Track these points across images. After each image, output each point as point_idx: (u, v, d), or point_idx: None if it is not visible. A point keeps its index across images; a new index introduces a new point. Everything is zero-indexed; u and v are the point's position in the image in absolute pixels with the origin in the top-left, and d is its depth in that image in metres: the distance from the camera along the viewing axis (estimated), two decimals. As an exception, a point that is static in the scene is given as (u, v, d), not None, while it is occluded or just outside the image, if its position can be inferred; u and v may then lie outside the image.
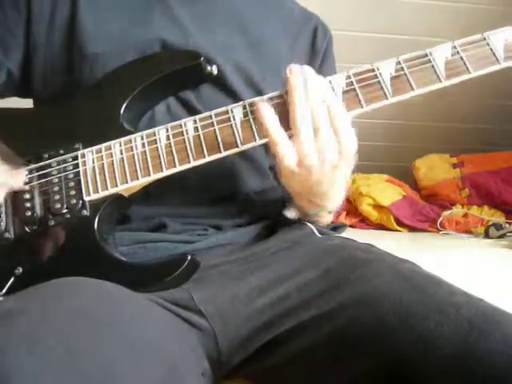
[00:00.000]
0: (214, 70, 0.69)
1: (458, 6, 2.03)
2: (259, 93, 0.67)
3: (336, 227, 0.82)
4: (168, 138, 0.63)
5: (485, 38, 0.64)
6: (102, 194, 0.62)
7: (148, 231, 0.68)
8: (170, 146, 0.62)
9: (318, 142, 0.59)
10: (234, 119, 0.63)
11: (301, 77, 0.60)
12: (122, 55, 0.69)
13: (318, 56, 0.81)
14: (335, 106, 0.60)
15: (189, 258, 0.60)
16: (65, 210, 0.62)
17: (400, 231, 2.06)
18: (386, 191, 2.13)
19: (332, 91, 0.62)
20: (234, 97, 0.71)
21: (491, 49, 0.64)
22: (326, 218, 0.76)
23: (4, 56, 0.71)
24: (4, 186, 0.61)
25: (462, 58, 0.63)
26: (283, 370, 0.58)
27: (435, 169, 2.29)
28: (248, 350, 0.58)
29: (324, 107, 0.59)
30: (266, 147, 0.77)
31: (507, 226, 1.91)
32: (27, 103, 0.75)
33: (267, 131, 0.60)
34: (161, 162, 0.62)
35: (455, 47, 0.64)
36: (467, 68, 0.63)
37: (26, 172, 0.64)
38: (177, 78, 0.68)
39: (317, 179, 0.61)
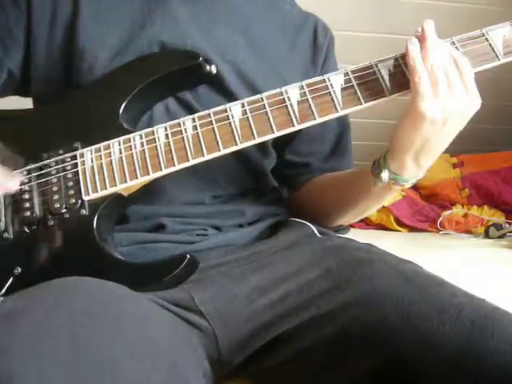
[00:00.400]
0: (213, 70, 0.69)
1: (457, 6, 2.03)
2: (257, 93, 0.67)
3: (339, 229, 0.82)
4: (167, 136, 0.63)
5: (483, 34, 0.64)
6: (101, 193, 0.62)
7: (146, 231, 0.68)
8: (169, 145, 0.62)
9: (455, 94, 0.59)
10: (233, 117, 0.63)
11: (430, 35, 0.61)
12: (122, 56, 0.69)
13: (320, 55, 0.81)
14: (464, 62, 0.61)
15: (188, 256, 0.60)
16: (64, 210, 0.62)
17: (400, 231, 2.06)
18: (385, 191, 2.12)
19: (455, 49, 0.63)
20: (232, 96, 0.70)
21: (490, 44, 0.64)
22: (392, 195, 0.74)
23: (5, 55, 0.71)
24: (1, 187, 0.61)
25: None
26: (284, 370, 0.58)
27: (435, 169, 2.29)
28: (248, 350, 0.58)
29: (453, 63, 0.60)
30: (265, 149, 0.77)
31: (507, 226, 1.91)
32: (27, 103, 0.75)
33: (414, 66, 0.60)
34: (160, 161, 0.62)
35: (454, 43, 0.64)
36: None
37: (25, 172, 0.64)
38: (175, 78, 0.68)
39: (446, 131, 0.61)
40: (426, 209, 2.13)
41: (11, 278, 0.59)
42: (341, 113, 0.63)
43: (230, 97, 0.70)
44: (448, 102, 0.59)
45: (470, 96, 0.60)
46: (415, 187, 2.33)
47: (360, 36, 2.05)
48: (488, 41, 0.64)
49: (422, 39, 0.61)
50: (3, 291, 0.59)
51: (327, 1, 1.81)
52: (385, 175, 0.65)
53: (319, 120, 0.63)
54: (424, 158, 0.64)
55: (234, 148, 0.62)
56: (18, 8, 0.71)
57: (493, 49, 0.64)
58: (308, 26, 0.82)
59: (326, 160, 0.82)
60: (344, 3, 1.96)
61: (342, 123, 0.82)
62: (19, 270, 0.60)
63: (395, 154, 0.64)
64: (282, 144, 0.79)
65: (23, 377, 0.39)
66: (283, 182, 0.85)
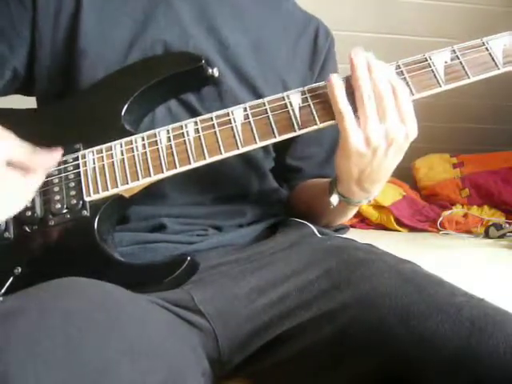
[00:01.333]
0: (215, 72, 0.69)
1: (457, 6, 2.03)
2: (259, 95, 0.67)
3: (338, 229, 0.82)
4: (169, 139, 0.63)
5: (484, 44, 0.65)
6: (103, 194, 0.62)
7: (147, 232, 0.68)
8: (171, 148, 0.63)
9: (386, 123, 0.59)
10: (235, 121, 0.63)
11: (364, 59, 0.60)
12: (124, 56, 0.69)
13: (320, 58, 0.81)
14: (401, 89, 0.60)
15: (188, 258, 0.60)
16: (65, 211, 0.62)
17: (400, 231, 2.06)
18: (385, 191, 2.12)
19: (396, 75, 0.62)
20: (234, 99, 0.71)
21: (490, 54, 0.64)
22: (355, 210, 0.76)
23: (10, 53, 0.71)
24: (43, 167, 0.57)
25: (461, 63, 0.64)
26: (283, 370, 0.58)
27: (435, 169, 2.29)
28: (248, 350, 0.58)
29: (390, 89, 0.59)
30: (266, 149, 0.77)
31: (507, 225, 1.90)
32: (29, 103, 0.75)
33: (336, 104, 0.59)
34: (161, 163, 0.62)
35: (454, 51, 0.64)
36: (466, 73, 0.64)
37: None
38: (178, 80, 0.69)
39: (378, 162, 0.61)
40: (426, 209, 2.12)
41: (11, 278, 0.60)
42: None
43: (232, 99, 0.70)
44: (375, 133, 0.59)
45: (404, 125, 0.59)
46: (415, 187, 2.33)
47: (360, 36, 2.05)
48: (488, 50, 0.64)
49: (351, 67, 0.60)
50: (3, 291, 0.59)
51: (327, 1, 1.81)
52: (335, 198, 0.69)
53: (321, 125, 0.63)
54: (367, 184, 0.65)
55: (236, 152, 0.63)
56: (23, 6, 0.71)
57: (493, 58, 0.64)
58: (310, 29, 0.82)
59: (321, 165, 0.83)
60: (344, 3, 1.96)
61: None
62: (19, 269, 0.60)
63: (340, 180, 0.67)
64: (280, 147, 0.79)
65: (18, 377, 0.39)
66: (282, 181, 0.85)
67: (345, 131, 0.59)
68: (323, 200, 0.72)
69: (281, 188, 0.84)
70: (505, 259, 1.49)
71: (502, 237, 1.85)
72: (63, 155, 0.64)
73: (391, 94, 0.59)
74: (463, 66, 0.64)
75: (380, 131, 0.59)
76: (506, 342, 0.46)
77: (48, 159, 0.57)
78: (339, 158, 0.64)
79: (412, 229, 2.06)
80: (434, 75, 0.63)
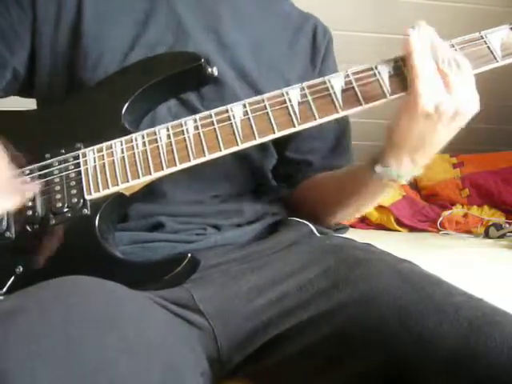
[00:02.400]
0: (215, 71, 0.70)
1: (457, 6, 2.04)
2: (258, 93, 0.67)
3: (338, 228, 0.82)
4: (169, 136, 0.63)
5: (482, 37, 0.65)
6: (103, 192, 0.62)
7: (145, 230, 0.68)
8: (171, 145, 0.63)
9: (453, 92, 0.59)
10: (234, 118, 0.63)
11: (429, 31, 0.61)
12: (125, 56, 0.70)
13: (319, 55, 0.81)
14: (465, 65, 0.60)
15: (189, 256, 0.60)
16: (66, 209, 0.62)
17: (400, 231, 2.06)
18: (385, 191, 2.12)
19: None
20: (234, 97, 0.71)
21: (489, 47, 0.64)
22: (383, 195, 0.74)
23: (10, 54, 0.71)
24: (21, 193, 0.61)
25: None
26: (282, 370, 0.58)
27: (435, 169, 2.29)
28: (248, 350, 0.58)
29: (455, 64, 0.60)
30: (265, 148, 0.77)
31: (507, 225, 1.91)
32: (30, 104, 0.75)
33: (413, 58, 0.59)
34: (161, 161, 0.62)
35: (453, 45, 0.64)
36: None
37: (28, 171, 0.64)
38: (178, 80, 0.69)
39: (439, 130, 0.60)
40: (426, 209, 2.13)
41: (13, 277, 0.60)
42: (341, 114, 0.63)
43: (232, 98, 0.70)
44: (444, 98, 0.59)
45: (467, 97, 0.60)
46: (415, 187, 2.33)
47: (360, 36, 2.05)
48: (486, 43, 0.64)
49: (421, 39, 0.61)
50: (4, 290, 0.59)
51: (327, 1, 1.81)
52: (381, 170, 0.65)
53: (320, 121, 0.63)
54: (420, 154, 0.64)
55: (235, 148, 0.63)
56: (21, 8, 0.71)
57: (491, 51, 0.64)
58: (307, 27, 0.82)
59: (326, 157, 0.82)
60: (344, 3, 1.96)
61: (343, 121, 0.82)
62: (21, 268, 0.60)
63: (392, 149, 0.64)
64: (282, 142, 0.79)
65: (18, 375, 0.39)
66: (281, 179, 0.85)
67: (417, 89, 0.58)
68: (356, 181, 0.71)
69: (280, 187, 0.84)
70: (505, 259, 1.49)
71: (501, 237, 1.85)
72: (64, 154, 0.65)
73: (457, 68, 0.60)
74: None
75: (449, 97, 0.59)
76: (504, 342, 0.46)
77: (28, 188, 0.61)
78: (400, 120, 0.62)
79: (412, 229, 2.07)
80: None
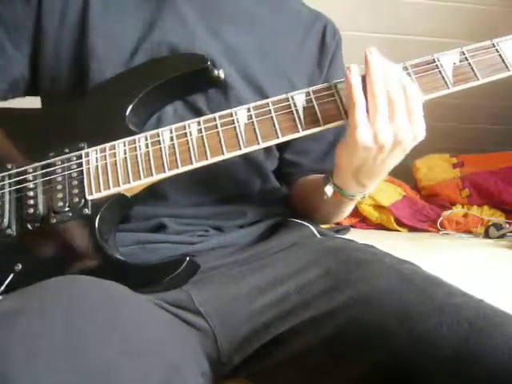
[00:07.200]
0: (221, 74, 0.69)
1: (457, 6, 2.03)
2: (265, 95, 0.67)
3: (339, 229, 0.82)
4: (172, 139, 0.63)
5: (494, 45, 0.64)
6: (105, 193, 0.62)
7: (147, 232, 0.68)
8: (174, 147, 0.63)
9: (395, 122, 0.58)
10: (238, 122, 0.63)
11: (379, 57, 0.60)
12: (131, 57, 0.69)
13: (327, 56, 0.80)
14: (412, 90, 0.60)
15: (187, 259, 0.60)
16: (67, 209, 0.62)
17: (400, 231, 2.06)
18: (386, 191, 2.13)
19: (407, 76, 0.62)
20: (240, 100, 0.70)
21: (500, 55, 0.63)
22: (350, 207, 0.75)
23: (15, 50, 0.71)
24: None
25: (470, 64, 0.63)
26: (283, 371, 0.58)
27: (435, 169, 2.30)
28: (248, 351, 0.58)
29: (401, 89, 0.59)
30: (269, 150, 0.77)
31: (507, 225, 1.91)
32: (32, 103, 0.75)
33: (351, 93, 0.59)
34: (163, 163, 0.62)
35: (463, 53, 0.63)
36: (475, 74, 0.63)
37: (31, 169, 0.64)
38: (183, 82, 0.69)
39: (381, 159, 0.60)
40: (426, 209, 2.13)
41: (11, 275, 0.60)
42: (346, 120, 0.62)
43: (238, 101, 0.70)
44: (384, 130, 0.58)
45: (413, 126, 0.59)
46: (415, 187, 2.33)
47: (360, 36, 2.05)
48: (498, 51, 0.63)
49: (366, 64, 0.60)
50: (3, 287, 0.59)
51: (327, 0, 1.81)
52: (329, 189, 0.68)
53: (325, 127, 0.63)
54: (365, 179, 0.65)
55: (238, 152, 0.62)
56: (27, 4, 0.71)
57: (503, 60, 0.63)
58: (317, 26, 0.81)
59: (320, 160, 0.82)
60: (344, 3, 1.96)
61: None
62: (20, 266, 0.60)
63: (337, 171, 0.66)
64: (282, 143, 0.79)
65: (18, 377, 0.39)
66: (279, 179, 0.85)
67: (354, 123, 0.59)
68: (318, 192, 0.72)
69: (282, 188, 0.84)
70: (505, 259, 1.49)
71: (501, 237, 1.85)
72: (67, 153, 0.65)
73: (402, 94, 0.59)
74: (472, 68, 0.63)
75: (389, 129, 0.59)
76: (505, 343, 0.46)
77: None
78: (342, 150, 0.63)
79: (412, 229, 2.07)
80: (442, 77, 0.63)
